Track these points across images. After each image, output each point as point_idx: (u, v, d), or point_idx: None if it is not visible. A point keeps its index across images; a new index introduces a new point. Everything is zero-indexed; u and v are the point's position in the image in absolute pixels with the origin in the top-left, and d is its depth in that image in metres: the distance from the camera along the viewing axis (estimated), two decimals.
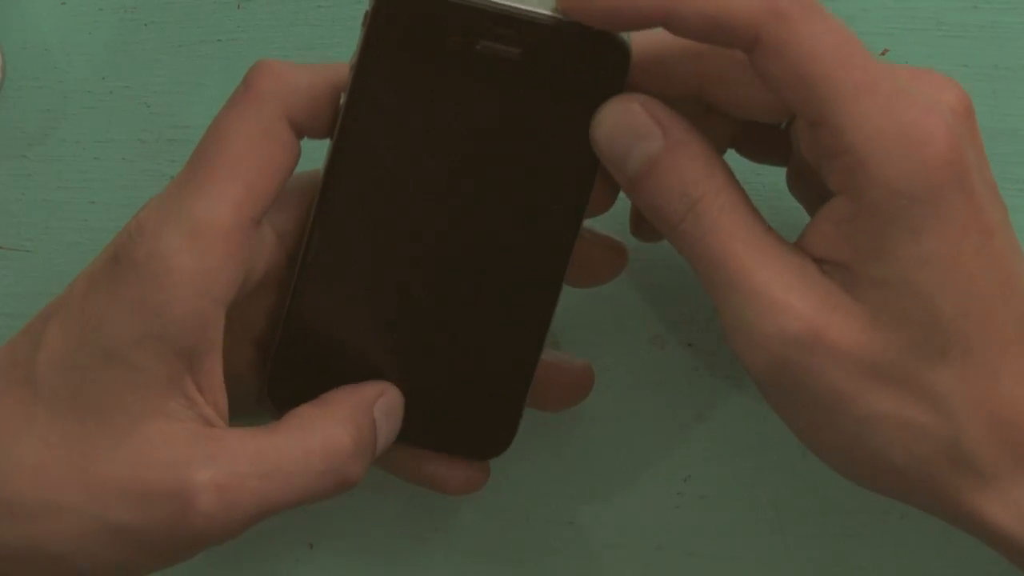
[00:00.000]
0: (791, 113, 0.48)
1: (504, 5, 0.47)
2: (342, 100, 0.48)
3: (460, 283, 0.50)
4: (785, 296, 0.45)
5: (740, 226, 0.46)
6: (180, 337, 0.46)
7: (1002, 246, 0.46)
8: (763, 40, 0.44)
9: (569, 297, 0.51)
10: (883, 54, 0.56)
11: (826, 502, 0.56)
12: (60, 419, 0.47)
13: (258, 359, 0.52)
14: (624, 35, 0.48)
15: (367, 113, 0.48)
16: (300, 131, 0.48)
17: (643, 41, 0.48)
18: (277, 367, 0.51)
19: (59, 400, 0.47)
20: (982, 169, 0.46)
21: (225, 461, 0.46)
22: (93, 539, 0.46)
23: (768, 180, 0.54)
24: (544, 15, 0.47)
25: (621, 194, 0.50)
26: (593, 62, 0.47)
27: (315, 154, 0.49)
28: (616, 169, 0.47)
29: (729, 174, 0.47)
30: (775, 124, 0.50)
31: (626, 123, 0.47)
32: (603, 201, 0.50)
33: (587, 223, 0.50)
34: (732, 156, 0.51)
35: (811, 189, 0.50)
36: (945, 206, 0.45)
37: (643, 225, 0.52)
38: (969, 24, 0.55)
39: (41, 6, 0.56)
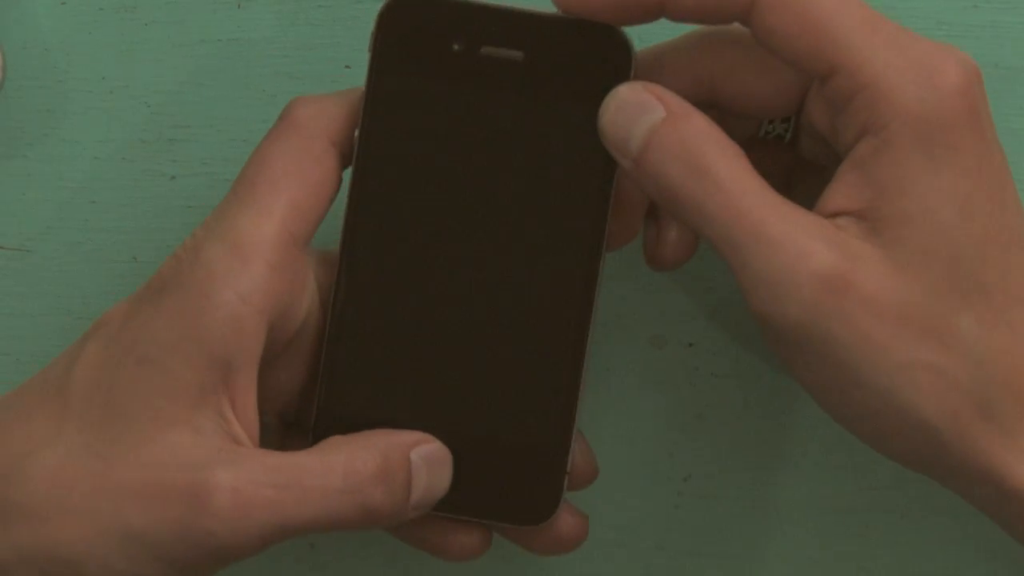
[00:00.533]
0: (797, 102, 0.48)
1: (503, 6, 0.47)
2: (356, 134, 0.48)
3: (492, 320, 0.49)
4: (808, 243, 0.45)
5: (748, 184, 0.46)
6: (218, 343, 0.46)
7: (1014, 199, 0.47)
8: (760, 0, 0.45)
9: None
10: None
11: (826, 502, 0.56)
12: (87, 428, 0.47)
13: (281, 430, 0.52)
14: (624, 30, 0.48)
15: (383, 135, 0.48)
16: (344, 152, 0.49)
17: (650, 48, 0.48)
18: (318, 432, 0.50)
19: (89, 409, 0.47)
20: (991, 123, 0.47)
21: (244, 468, 0.46)
22: (105, 543, 0.46)
23: None
24: (544, 13, 0.48)
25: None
26: (597, 58, 0.48)
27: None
28: (621, 151, 0.47)
29: (731, 141, 0.47)
30: (780, 135, 0.50)
31: (627, 103, 0.47)
32: (627, 230, 0.50)
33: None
34: None
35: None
36: (961, 139, 0.45)
37: (658, 252, 0.52)
38: (969, 24, 0.55)
39: (41, 6, 0.56)
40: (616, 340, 0.56)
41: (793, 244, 0.45)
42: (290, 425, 0.52)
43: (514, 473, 0.50)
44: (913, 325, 0.45)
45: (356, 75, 0.51)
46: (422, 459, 0.48)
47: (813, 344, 0.46)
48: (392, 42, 0.48)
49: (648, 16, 0.47)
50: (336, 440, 0.48)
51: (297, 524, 0.46)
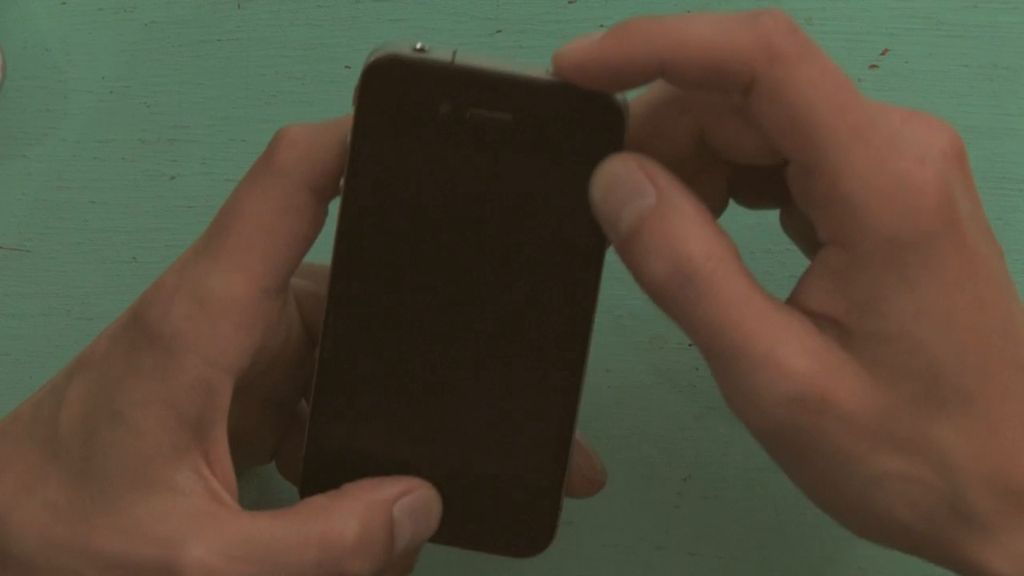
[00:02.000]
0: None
1: (492, 69, 0.46)
2: (341, 183, 0.48)
3: (482, 366, 0.48)
4: (791, 361, 0.44)
5: (734, 290, 0.45)
6: (185, 405, 0.46)
7: (996, 292, 0.46)
8: (759, 84, 0.44)
9: None
10: (883, 54, 0.56)
11: None
12: (69, 481, 0.47)
13: (275, 418, 0.52)
14: (617, 95, 0.46)
15: (367, 196, 0.47)
16: (327, 196, 0.48)
17: (639, 97, 0.47)
18: (308, 469, 0.49)
19: (72, 462, 0.47)
20: (975, 213, 0.46)
21: (218, 541, 0.46)
22: None
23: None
24: (534, 77, 0.46)
25: None
26: (589, 123, 0.46)
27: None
28: (610, 228, 0.46)
29: (722, 236, 0.46)
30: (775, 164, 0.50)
31: (620, 180, 0.46)
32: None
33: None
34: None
35: (807, 229, 0.49)
36: (937, 255, 0.44)
37: None
38: (969, 24, 0.55)
39: (41, 6, 0.56)
40: (616, 340, 0.56)
41: (774, 362, 0.44)
42: (292, 410, 0.53)
43: (508, 506, 0.50)
44: (889, 439, 0.45)
45: (355, 76, 0.51)
46: (406, 512, 0.48)
47: (789, 450, 0.46)
48: (377, 100, 0.46)
49: (645, 83, 0.45)
50: (316, 504, 0.47)
51: None
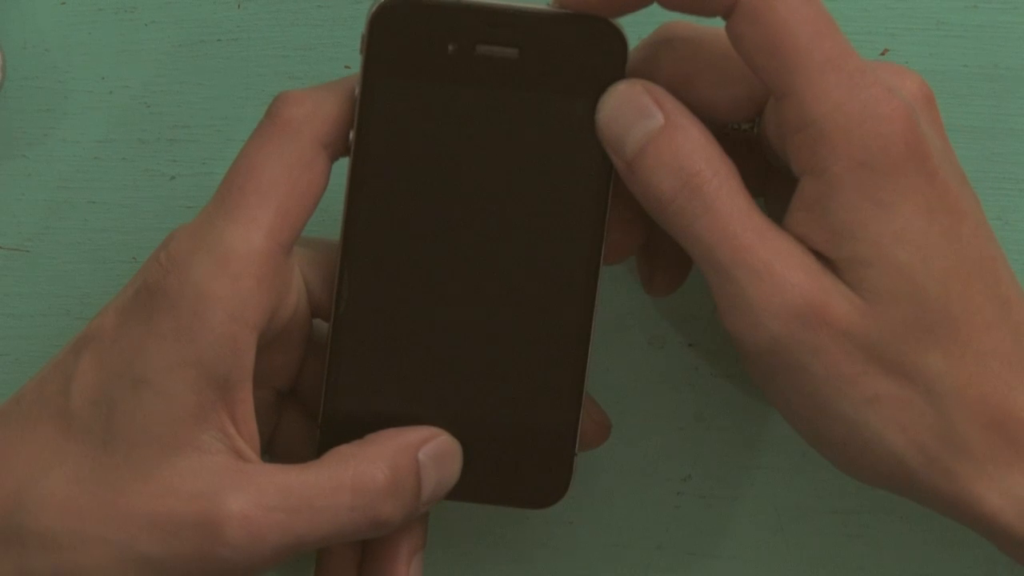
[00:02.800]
0: (756, 110, 0.48)
1: (496, 4, 0.47)
2: (351, 135, 0.48)
3: (495, 312, 0.49)
4: (788, 273, 0.46)
5: (737, 206, 0.46)
6: (214, 363, 0.46)
7: (972, 230, 0.47)
8: (741, 4, 0.45)
9: None
10: (883, 54, 0.56)
11: (826, 502, 0.57)
12: (91, 452, 0.47)
13: (277, 402, 0.52)
14: (618, 22, 0.48)
15: (378, 141, 0.48)
16: (335, 152, 0.49)
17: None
18: (325, 430, 0.50)
19: (91, 433, 0.47)
20: (947, 155, 0.47)
21: (253, 493, 0.46)
22: (121, 571, 0.46)
23: None
24: (537, 9, 0.47)
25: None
26: (592, 52, 0.48)
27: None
28: (616, 151, 0.48)
29: (725, 158, 0.47)
30: (748, 127, 0.50)
31: (627, 104, 0.47)
32: (625, 245, 0.51)
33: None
34: None
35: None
36: (907, 183, 0.46)
37: (655, 280, 0.52)
38: (969, 24, 0.56)
39: (41, 6, 0.56)
40: (616, 340, 0.56)
41: (772, 274, 0.46)
42: (285, 395, 0.53)
43: (523, 458, 0.50)
44: (881, 361, 0.46)
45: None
46: (431, 457, 0.49)
47: (784, 371, 0.46)
48: (385, 45, 0.48)
49: (640, 4, 0.47)
50: (343, 452, 0.48)
51: (308, 543, 0.47)
